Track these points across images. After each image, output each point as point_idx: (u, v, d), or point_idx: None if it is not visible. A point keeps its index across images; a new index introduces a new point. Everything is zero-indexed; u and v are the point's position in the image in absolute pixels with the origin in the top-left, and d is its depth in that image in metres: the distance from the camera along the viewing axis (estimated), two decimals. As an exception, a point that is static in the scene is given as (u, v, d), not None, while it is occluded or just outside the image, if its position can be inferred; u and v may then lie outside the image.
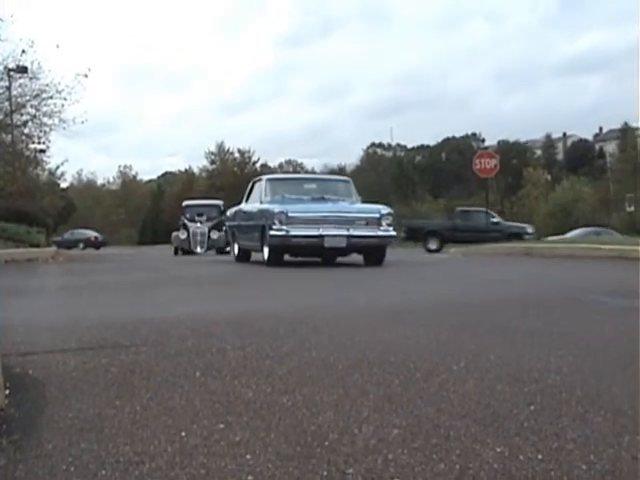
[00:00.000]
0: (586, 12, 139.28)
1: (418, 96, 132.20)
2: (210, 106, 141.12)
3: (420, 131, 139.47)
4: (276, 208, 13.60)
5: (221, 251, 29.07)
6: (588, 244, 16.66)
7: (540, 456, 2.15)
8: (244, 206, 16.85)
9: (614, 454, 2.16)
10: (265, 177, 16.39)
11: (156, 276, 12.15)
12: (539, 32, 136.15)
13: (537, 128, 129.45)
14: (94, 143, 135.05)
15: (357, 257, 14.77)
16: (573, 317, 5.45)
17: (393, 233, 14.06)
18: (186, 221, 30.96)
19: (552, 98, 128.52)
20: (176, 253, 29.96)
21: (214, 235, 30.22)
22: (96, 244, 55.04)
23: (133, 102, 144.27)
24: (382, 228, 13.76)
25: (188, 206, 32.61)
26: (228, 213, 18.70)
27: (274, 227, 13.29)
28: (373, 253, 14.18)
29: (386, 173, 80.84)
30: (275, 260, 13.78)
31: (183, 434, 2.43)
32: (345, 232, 13.37)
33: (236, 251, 17.23)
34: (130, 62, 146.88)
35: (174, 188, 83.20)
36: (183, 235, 30.52)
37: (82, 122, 27.07)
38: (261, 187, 15.67)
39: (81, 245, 52.84)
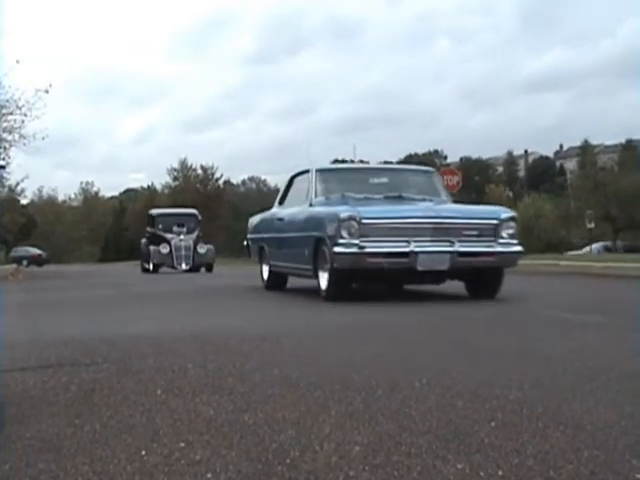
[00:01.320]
0: (549, 32, 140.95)
1: (384, 113, 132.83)
2: (176, 123, 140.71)
3: (385, 148, 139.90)
4: (343, 211, 8.79)
5: (201, 269, 25.83)
6: (549, 260, 16.82)
7: (500, 472, 2.16)
8: (280, 211, 11.70)
9: (573, 469, 2.17)
10: (314, 168, 10.75)
11: (120, 293, 12.06)
12: (503, 51, 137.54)
13: (500, 145, 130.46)
14: (57, 159, 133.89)
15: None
16: (535, 333, 5.49)
17: (518, 248, 9.07)
18: (162, 233, 26.27)
19: (515, 116, 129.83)
20: (154, 270, 25.29)
21: (201, 249, 26.19)
22: (39, 261, 55.46)
23: (98, 118, 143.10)
24: (502, 240, 8.90)
25: (161, 215, 27.86)
26: (250, 222, 13.17)
27: (341, 241, 8.54)
28: (485, 279, 9.24)
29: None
30: (339, 290, 8.95)
31: (143, 453, 2.41)
32: (448, 247, 8.65)
33: (265, 275, 11.93)
34: (96, 78, 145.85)
35: (136, 205, 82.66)
36: (165, 249, 25.54)
37: (43, 138, 26.72)
38: (309, 183, 10.52)
39: (25, 262, 52.44)
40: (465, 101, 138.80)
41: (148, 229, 27.62)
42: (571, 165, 78.19)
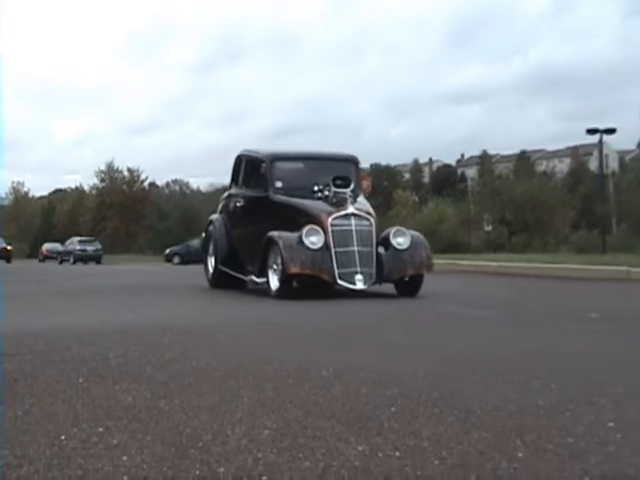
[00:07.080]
0: (471, 48, 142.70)
1: (312, 122, 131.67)
2: (115, 127, 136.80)
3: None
4: None
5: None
6: (451, 260, 17.04)
7: (398, 453, 2.19)
8: None
9: (463, 450, 2.22)
10: None
11: (48, 288, 11.79)
12: (428, 66, 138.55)
13: (409, 154, 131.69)
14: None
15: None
16: (434, 328, 5.59)
17: None
18: (292, 201, 9.16)
19: (426, 127, 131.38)
20: (286, 287, 8.35)
21: (398, 240, 8.55)
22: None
23: (38, 120, 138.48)
24: None
25: (283, 159, 10.09)
26: None
27: None
28: None
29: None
30: None
31: (63, 437, 2.37)
32: None
33: None
34: (37, 80, 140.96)
35: (64, 205, 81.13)
36: (315, 241, 8.17)
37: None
38: None
39: None
40: (387, 113, 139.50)
41: (238, 191, 10.79)
42: (472, 173, 79.62)
